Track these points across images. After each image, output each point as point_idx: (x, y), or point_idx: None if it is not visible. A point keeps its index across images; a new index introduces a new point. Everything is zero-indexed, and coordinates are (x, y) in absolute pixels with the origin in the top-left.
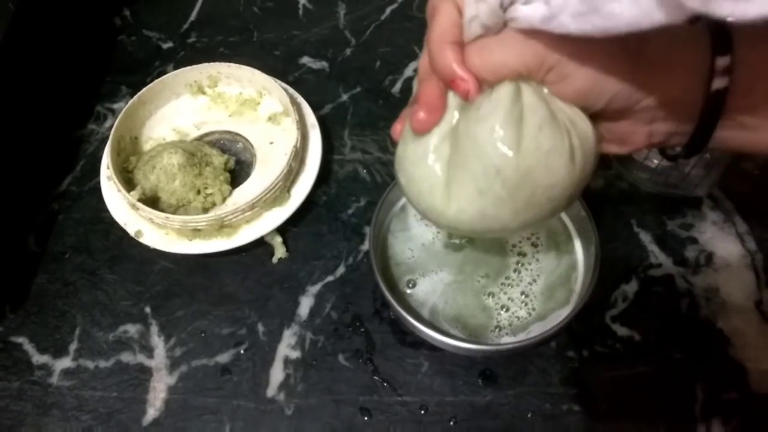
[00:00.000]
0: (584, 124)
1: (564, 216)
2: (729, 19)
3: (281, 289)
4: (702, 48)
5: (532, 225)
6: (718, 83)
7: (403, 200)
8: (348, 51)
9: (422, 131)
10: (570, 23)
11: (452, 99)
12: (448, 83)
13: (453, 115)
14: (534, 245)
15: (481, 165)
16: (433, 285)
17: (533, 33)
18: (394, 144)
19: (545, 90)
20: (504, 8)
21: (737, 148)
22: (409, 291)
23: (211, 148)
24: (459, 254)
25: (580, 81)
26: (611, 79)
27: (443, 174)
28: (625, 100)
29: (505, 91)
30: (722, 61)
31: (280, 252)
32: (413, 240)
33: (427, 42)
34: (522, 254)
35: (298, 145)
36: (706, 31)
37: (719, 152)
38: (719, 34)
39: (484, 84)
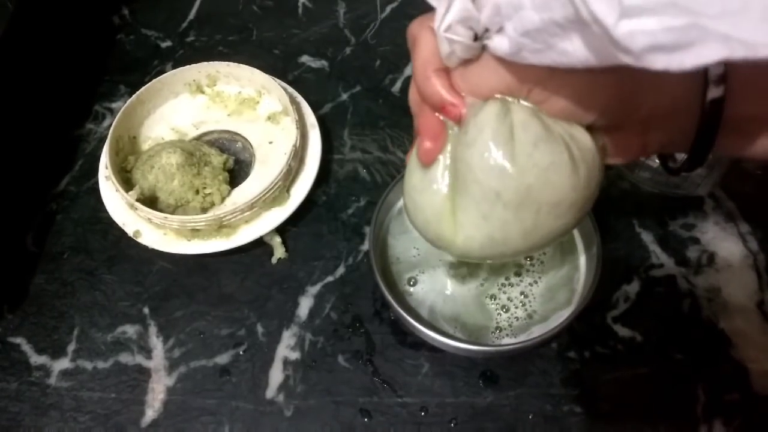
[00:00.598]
0: (583, 136)
1: None
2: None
3: (280, 290)
4: None
5: (545, 245)
6: (714, 92)
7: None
8: (348, 50)
9: (431, 161)
10: (531, 58)
11: (449, 125)
12: (439, 110)
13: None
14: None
15: (480, 190)
16: (433, 285)
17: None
18: (395, 145)
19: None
20: (478, 38)
21: (738, 155)
22: (409, 291)
23: (209, 147)
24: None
25: (564, 100)
26: (596, 96)
27: (449, 202)
28: (613, 115)
29: (489, 110)
30: (716, 69)
31: (279, 252)
32: (414, 240)
33: (413, 72)
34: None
35: (298, 144)
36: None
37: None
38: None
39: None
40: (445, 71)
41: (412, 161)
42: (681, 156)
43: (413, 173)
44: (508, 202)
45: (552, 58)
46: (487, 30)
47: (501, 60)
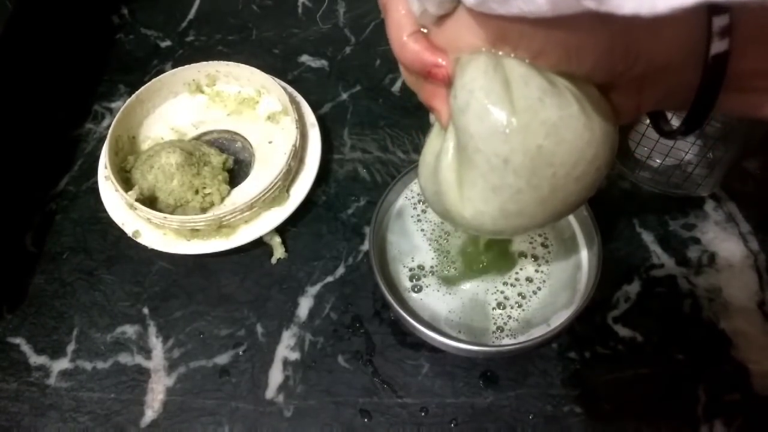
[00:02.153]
0: (589, 88)
1: (570, 216)
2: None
3: (280, 290)
4: (696, 10)
5: (566, 212)
6: (718, 47)
7: (403, 200)
8: (348, 49)
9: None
10: (498, 8)
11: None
12: (426, 76)
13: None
14: (544, 245)
15: (485, 159)
16: (434, 285)
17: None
18: (395, 144)
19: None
20: None
21: (740, 115)
22: (409, 291)
23: (209, 147)
24: (462, 254)
25: (554, 54)
26: (587, 51)
27: (454, 175)
28: (606, 71)
29: (476, 66)
30: (720, 21)
31: (279, 252)
32: (414, 240)
33: (390, 43)
34: (524, 255)
35: (297, 144)
36: None
37: (722, 151)
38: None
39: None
40: (422, 34)
41: (427, 138)
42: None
43: (425, 148)
44: (518, 169)
45: (518, 7)
46: None
47: (477, 13)
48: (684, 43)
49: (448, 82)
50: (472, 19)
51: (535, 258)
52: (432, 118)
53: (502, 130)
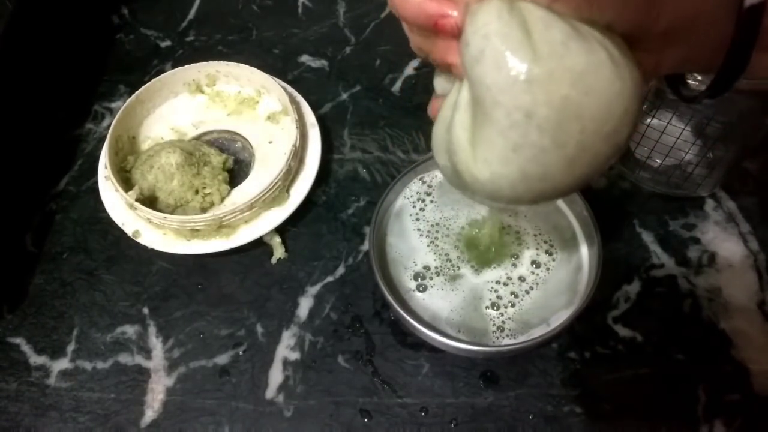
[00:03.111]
0: (612, 35)
1: (570, 216)
2: None
3: (280, 290)
4: None
5: (593, 177)
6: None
7: (403, 200)
8: (348, 49)
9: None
10: None
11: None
12: (432, 29)
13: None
14: (548, 252)
15: (505, 113)
16: (434, 285)
17: None
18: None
19: None
20: None
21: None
22: (409, 291)
23: (209, 147)
24: (464, 254)
25: (575, 2)
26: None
27: (467, 134)
28: (629, 22)
29: (488, 8)
30: None
31: (279, 252)
32: (414, 239)
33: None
34: (525, 256)
35: (297, 144)
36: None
37: (722, 151)
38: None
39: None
40: None
41: (441, 105)
42: (695, 82)
43: (437, 121)
44: (543, 123)
45: None
46: None
47: None
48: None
49: (459, 34)
50: None
51: (536, 258)
52: (439, 86)
53: (523, 79)
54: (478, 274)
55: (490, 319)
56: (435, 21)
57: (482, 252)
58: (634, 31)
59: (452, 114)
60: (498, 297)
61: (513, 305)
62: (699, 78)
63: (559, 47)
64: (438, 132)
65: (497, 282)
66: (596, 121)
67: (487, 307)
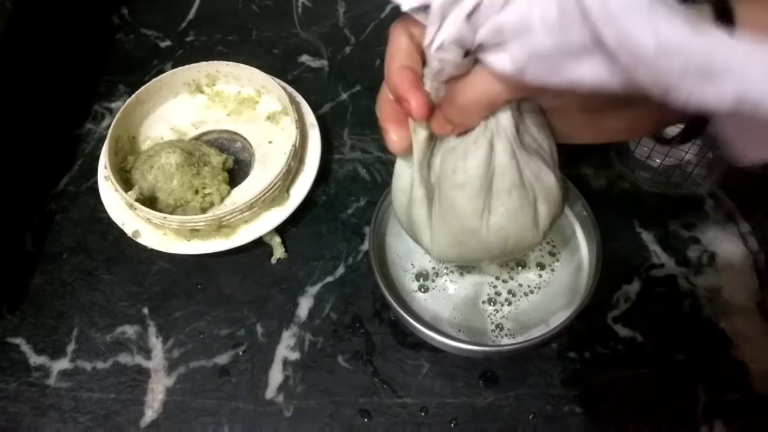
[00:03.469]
0: (549, 178)
1: (570, 216)
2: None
3: (280, 290)
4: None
5: (510, 258)
6: None
7: None
8: (347, 49)
9: (401, 150)
10: (538, 78)
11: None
12: (397, 101)
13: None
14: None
15: (459, 225)
16: (434, 286)
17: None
18: None
19: (524, 111)
20: (469, 53)
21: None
22: (409, 291)
23: (209, 147)
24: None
25: (574, 96)
26: (642, 122)
27: (424, 211)
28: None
29: (478, 156)
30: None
31: (278, 252)
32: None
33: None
34: (525, 255)
35: (297, 144)
36: (707, 7)
37: (721, 152)
38: (720, 5)
39: (457, 129)
40: (410, 69)
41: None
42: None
43: (394, 181)
44: (481, 238)
45: (563, 79)
46: (480, 45)
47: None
48: None
49: (410, 115)
50: (496, 80)
51: (537, 259)
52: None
53: (480, 215)
54: (479, 273)
55: (489, 314)
56: (399, 98)
57: None
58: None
59: (411, 201)
60: (497, 293)
61: (510, 303)
62: None
63: (506, 195)
64: (398, 197)
65: (497, 279)
66: (515, 239)
67: (484, 302)
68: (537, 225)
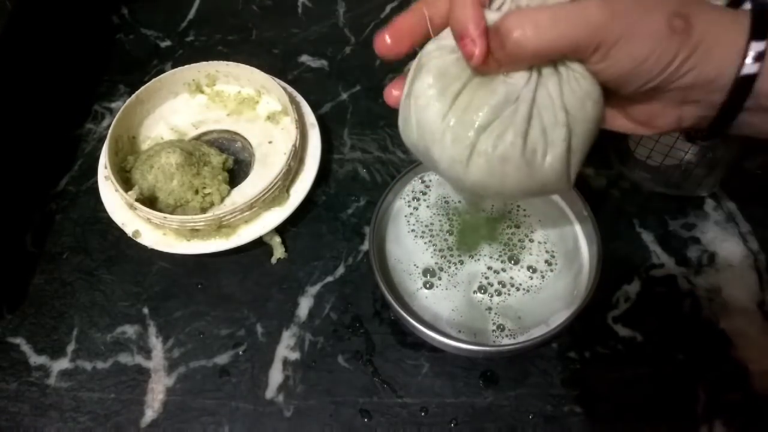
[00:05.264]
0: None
1: (570, 216)
2: None
3: (280, 290)
4: (743, 33)
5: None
6: (748, 69)
7: (402, 201)
8: (348, 49)
9: (480, 61)
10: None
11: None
12: (457, 37)
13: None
14: (551, 244)
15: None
16: (434, 285)
17: (586, 7)
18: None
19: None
20: None
21: (758, 134)
22: (409, 291)
23: (209, 147)
24: (464, 254)
25: (623, 62)
26: (653, 60)
27: (472, 135)
28: (661, 79)
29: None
30: (757, 46)
31: (279, 252)
32: (414, 239)
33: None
34: (523, 258)
35: (297, 144)
36: (748, 16)
37: (722, 151)
38: (760, 19)
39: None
40: (481, 4)
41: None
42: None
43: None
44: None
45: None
46: None
47: (578, 10)
48: (730, 63)
49: (470, 59)
50: (574, 17)
51: (537, 261)
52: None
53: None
54: (483, 275)
55: (487, 309)
56: (463, 36)
57: (472, 236)
58: (663, 84)
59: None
60: (497, 296)
61: (508, 303)
62: None
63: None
64: (424, 115)
65: (498, 282)
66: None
67: (481, 302)
68: (569, 172)
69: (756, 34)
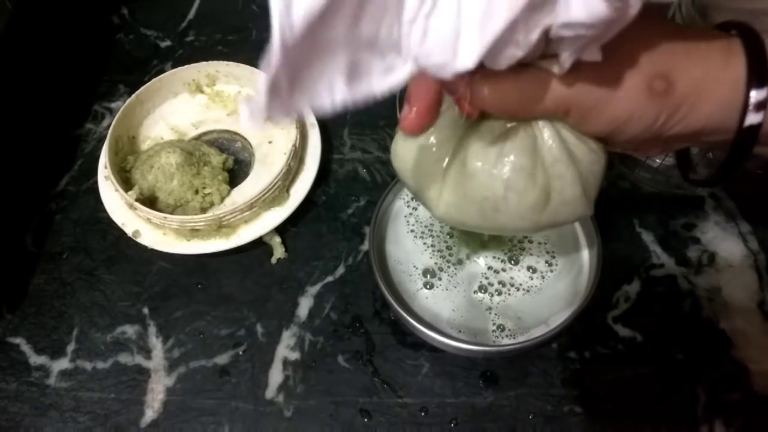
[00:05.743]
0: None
1: None
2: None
3: (280, 290)
4: (737, 81)
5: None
6: (752, 119)
7: (402, 201)
8: None
9: (415, 131)
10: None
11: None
12: (453, 96)
13: (458, 117)
14: (550, 245)
15: (480, 198)
16: (434, 285)
17: (552, 76)
18: None
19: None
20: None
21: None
22: (409, 291)
23: (209, 147)
24: (464, 252)
25: (603, 124)
26: (635, 121)
27: (441, 175)
28: (646, 135)
29: (521, 146)
30: (758, 95)
31: (279, 252)
32: (414, 240)
33: None
34: (523, 258)
35: (297, 144)
36: (742, 61)
37: (722, 152)
38: (756, 65)
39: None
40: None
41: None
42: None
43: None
44: (499, 215)
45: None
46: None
47: (542, 79)
48: (721, 112)
49: (465, 113)
50: (538, 86)
51: (538, 260)
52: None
53: (511, 197)
54: (483, 275)
55: (487, 309)
56: (459, 97)
57: (475, 237)
58: (651, 135)
59: (433, 151)
60: (497, 296)
61: (508, 303)
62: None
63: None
64: (421, 158)
65: (498, 282)
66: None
67: (482, 301)
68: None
69: (754, 82)
